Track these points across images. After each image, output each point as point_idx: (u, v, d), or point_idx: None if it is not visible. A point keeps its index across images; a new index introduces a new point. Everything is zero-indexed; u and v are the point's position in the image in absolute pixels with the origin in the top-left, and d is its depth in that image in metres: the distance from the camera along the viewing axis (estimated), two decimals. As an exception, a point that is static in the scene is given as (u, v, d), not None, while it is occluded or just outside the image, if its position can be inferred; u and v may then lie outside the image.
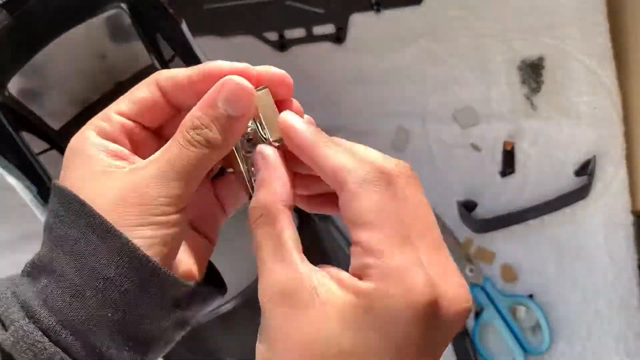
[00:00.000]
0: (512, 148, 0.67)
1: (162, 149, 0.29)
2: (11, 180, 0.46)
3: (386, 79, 0.68)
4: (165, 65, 0.60)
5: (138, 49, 0.59)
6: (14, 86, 0.54)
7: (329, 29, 0.68)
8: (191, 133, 0.28)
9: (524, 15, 0.69)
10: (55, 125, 0.58)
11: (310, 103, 0.69)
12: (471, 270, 0.64)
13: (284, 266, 0.27)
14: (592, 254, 0.65)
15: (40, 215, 0.46)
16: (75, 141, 0.30)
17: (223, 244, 0.62)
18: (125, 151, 0.29)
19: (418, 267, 0.25)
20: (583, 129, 0.67)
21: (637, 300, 0.65)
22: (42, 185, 0.50)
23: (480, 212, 0.66)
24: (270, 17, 0.68)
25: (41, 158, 0.54)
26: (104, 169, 0.28)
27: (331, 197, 0.29)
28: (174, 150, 0.28)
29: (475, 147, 0.67)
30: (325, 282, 0.26)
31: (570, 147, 0.67)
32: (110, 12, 0.56)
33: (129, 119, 0.30)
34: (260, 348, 0.28)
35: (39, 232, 0.63)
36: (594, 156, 0.66)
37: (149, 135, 0.31)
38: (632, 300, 0.65)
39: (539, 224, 0.66)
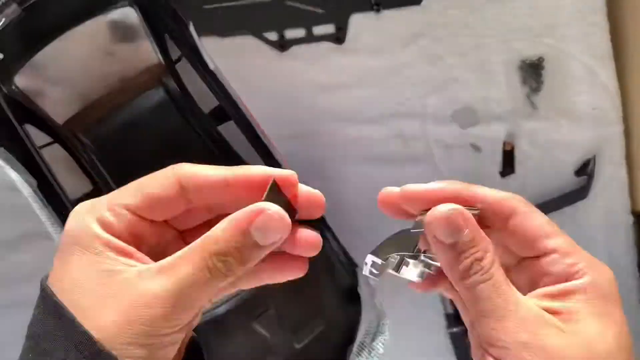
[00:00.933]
0: (512, 148, 0.67)
1: (174, 261, 0.26)
2: (11, 173, 0.46)
3: (386, 79, 0.68)
4: (172, 65, 0.61)
5: (145, 48, 0.59)
6: (20, 79, 0.54)
7: (329, 29, 0.68)
8: (214, 259, 0.26)
9: (523, 15, 0.69)
10: (60, 119, 0.58)
11: (309, 103, 0.70)
12: None
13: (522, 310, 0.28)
14: (591, 254, 0.65)
15: (38, 210, 0.47)
16: (75, 229, 0.28)
17: None
18: (130, 248, 0.28)
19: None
20: (583, 129, 0.67)
21: (636, 299, 0.65)
22: (42, 179, 0.50)
23: (480, 212, 0.66)
24: (270, 17, 0.68)
25: (43, 152, 0.55)
26: (110, 269, 0.26)
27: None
28: (189, 272, 0.26)
29: (475, 148, 0.67)
30: (569, 307, 0.28)
31: (570, 147, 0.67)
32: (120, 9, 0.57)
33: (136, 214, 0.28)
34: None
35: (39, 231, 0.63)
36: (594, 156, 0.66)
37: (154, 225, 0.29)
38: (631, 299, 0.65)
39: (539, 224, 0.66)
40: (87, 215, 0.28)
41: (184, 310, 0.26)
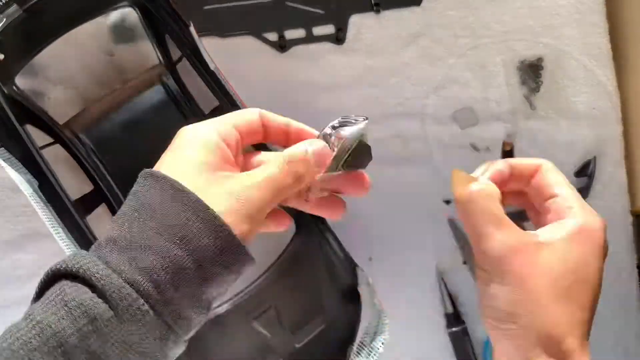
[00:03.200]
0: (511, 148, 0.67)
1: (265, 169, 0.35)
2: (12, 173, 0.46)
3: (386, 80, 0.68)
4: (173, 66, 0.61)
5: (145, 49, 0.59)
6: (21, 79, 0.54)
7: (328, 29, 0.69)
8: (288, 164, 0.35)
9: (523, 15, 0.70)
10: (60, 119, 0.58)
11: (309, 103, 0.70)
12: None
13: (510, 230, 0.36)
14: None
15: (39, 210, 0.46)
16: (199, 131, 0.35)
17: None
18: (232, 158, 0.35)
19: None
20: (582, 129, 0.68)
21: (636, 300, 0.65)
22: (42, 179, 0.50)
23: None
24: (271, 17, 0.68)
25: (44, 152, 0.55)
26: (220, 167, 0.34)
27: None
28: (276, 173, 0.35)
29: (475, 148, 0.67)
30: (547, 231, 0.36)
31: (569, 147, 0.67)
32: (121, 10, 0.57)
33: (240, 134, 0.36)
34: (500, 294, 0.35)
35: (40, 231, 0.63)
36: (594, 157, 0.66)
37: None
38: (631, 300, 0.65)
39: (538, 223, 0.66)
40: (207, 125, 0.35)
41: (276, 196, 0.34)
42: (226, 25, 0.68)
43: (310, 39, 0.68)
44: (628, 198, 0.67)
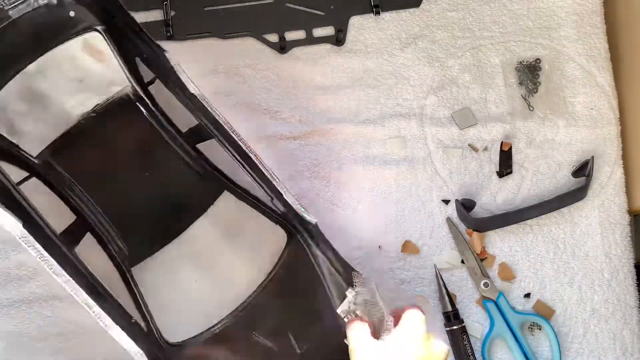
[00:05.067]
0: (510, 149, 0.67)
1: None
2: (3, 217, 0.45)
3: (385, 81, 0.68)
4: (145, 86, 0.59)
5: (115, 71, 0.58)
6: None
7: (328, 31, 0.69)
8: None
9: (521, 17, 0.70)
10: (34, 152, 0.57)
11: (309, 103, 0.70)
12: (485, 285, 0.64)
13: None
14: (589, 253, 0.66)
15: (30, 250, 0.45)
16: None
17: (216, 267, 0.62)
18: None
19: None
20: (580, 130, 0.68)
21: (633, 298, 0.65)
22: (25, 217, 0.49)
23: (478, 212, 0.66)
24: (271, 19, 0.68)
25: (21, 187, 0.53)
26: None
27: None
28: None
29: (473, 148, 0.67)
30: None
31: (567, 148, 0.68)
32: (86, 34, 0.55)
33: None
34: None
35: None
36: (592, 157, 0.66)
37: None
38: (628, 298, 0.65)
39: (536, 223, 0.66)
40: None
41: None
42: (227, 26, 0.68)
43: (310, 40, 0.69)
44: (625, 198, 0.67)
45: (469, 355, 0.62)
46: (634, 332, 0.65)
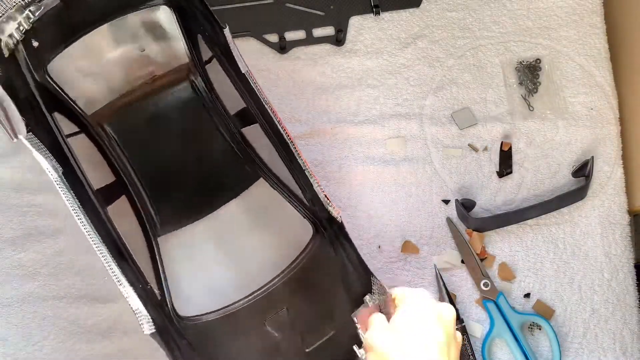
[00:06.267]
0: (510, 149, 0.67)
1: None
2: (39, 158, 0.46)
3: (385, 81, 0.68)
4: (203, 65, 0.61)
5: (176, 47, 0.59)
6: (53, 68, 0.54)
7: (328, 31, 0.69)
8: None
9: (521, 17, 0.70)
10: (88, 110, 0.58)
11: (309, 103, 0.70)
12: (485, 285, 0.64)
13: None
14: (588, 253, 0.66)
15: (63, 196, 0.47)
16: None
17: (238, 251, 0.62)
18: None
19: None
20: (579, 130, 0.68)
21: (633, 298, 0.66)
22: (67, 166, 0.50)
23: (478, 212, 0.66)
24: (271, 19, 0.68)
25: (70, 140, 0.55)
26: None
27: None
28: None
29: (473, 148, 0.67)
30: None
31: (566, 147, 0.68)
32: (155, 7, 0.57)
33: None
34: None
35: (42, 230, 0.63)
36: (592, 157, 0.66)
37: None
38: (628, 298, 0.65)
39: (536, 223, 0.66)
40: None
41: None
42: (227, 27, 0.68)
43: (310, 40, 0.69)
44: (625, 198, 0.67)
45: (469, 355, 0.62)
46: (634, 332, 0.65)
